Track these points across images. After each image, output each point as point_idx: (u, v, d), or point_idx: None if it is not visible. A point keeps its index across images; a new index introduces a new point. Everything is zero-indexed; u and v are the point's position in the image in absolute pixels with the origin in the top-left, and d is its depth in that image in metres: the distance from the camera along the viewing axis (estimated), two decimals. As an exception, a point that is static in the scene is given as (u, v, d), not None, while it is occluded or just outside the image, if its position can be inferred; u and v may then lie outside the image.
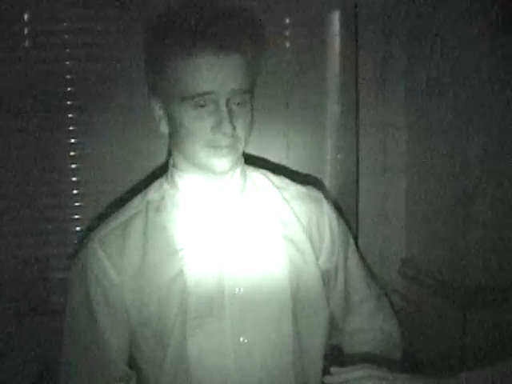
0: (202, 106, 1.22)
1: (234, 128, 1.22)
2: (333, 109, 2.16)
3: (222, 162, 1.26)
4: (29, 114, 2.04)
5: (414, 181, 2.17)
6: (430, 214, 2.08)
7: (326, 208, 1.44)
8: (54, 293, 2.12)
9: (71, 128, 2.08)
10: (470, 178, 1.86)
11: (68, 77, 2.05)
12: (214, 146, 1.24)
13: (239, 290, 1.30)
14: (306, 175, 2.13)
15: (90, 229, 2.03)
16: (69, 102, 2.06)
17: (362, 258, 1.55)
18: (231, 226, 1.33)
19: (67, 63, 2.05)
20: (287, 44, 2.14)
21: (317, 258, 1.38)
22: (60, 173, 2.11)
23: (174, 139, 1.30)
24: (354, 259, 1.49)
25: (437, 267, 2.03)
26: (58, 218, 2.12)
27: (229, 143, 1.24)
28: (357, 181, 2.18)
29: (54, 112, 2.06)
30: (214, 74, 1.20)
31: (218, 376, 1.28)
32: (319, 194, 1.47)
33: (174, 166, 1.36)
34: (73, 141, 2.08)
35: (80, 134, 2.09)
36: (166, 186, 1.37)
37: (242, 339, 1.28)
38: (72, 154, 2.09)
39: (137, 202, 1.39)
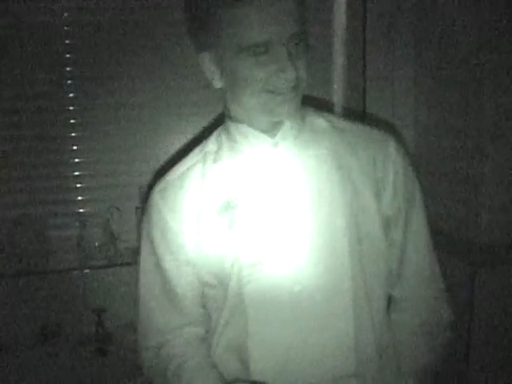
0: (262, 54, 1.18)
1: (297, 71, 1.18)
2: (339, 62, 2.10)
3: (284, 107, 1.22)
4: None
5: (423, 136, 2.13)
6: (440, 171, 2.04)
7: (393, 152, 1.33)
8: (53, 252, 2.10)
9: (69, 82, 2.06)
10: (483, 134, 1.82)
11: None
12: (276, 92, 1.20)
13: (294, 238, 1.27)
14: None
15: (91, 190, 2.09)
16: (68, 55, 2.05)
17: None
18: (285, 174, 1.30)
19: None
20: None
21: (378, 204, 1.31)
22: (58, 129, 2.08)
23: (231, 92, 1.27)
24: (417, 218, 1.38)
25: (447, 225, 2.00)
26: (56, 176, 2.08)
27: (291, 87, 1.20)
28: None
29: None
30: (270, 20, 1.16)
31: (272, 321, 1.27)
32: (388, 137, 1.36)
33: (229, 117, 1.34)
34: (71, 95, 2.04)
35: (78, 87, 2.07)
36: (222, 136, 1.36)
37: (295, 288, 1.26)
38: (71, 108, 2.05)
39: (195, 153, 1.39)
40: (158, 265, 1.35)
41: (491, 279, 1.85)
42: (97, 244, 2.08)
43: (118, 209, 2.10)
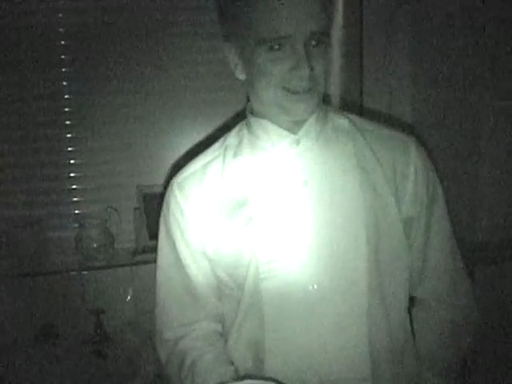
0: (278, 49, 1.18)
1: (312, 69, 1.18)
2: (337, 60, 2.09)
3: (299, 107, 1.22)
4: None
5: (421, 134, 2.12)
6: (437, 169, 2.03)
7: (414, 154, 1.33)
8: (51, 253, 2.10)
9: (64, 83, 2.05)
10: (480, 132, 1.82)
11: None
12: (291, 90, 1.20)
13: (311, 237, 1.27)
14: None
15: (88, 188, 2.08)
16: (64, 56, 2.04)
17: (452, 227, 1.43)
18: (306, 171, 1.29)
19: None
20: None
21: (398, 206, 1.31)
22: (54, 130, 2.08)
23: (251, 84, 1.27)
24: (438, 220, 1.38)
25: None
26: (52, 177, 2.08)
27: (306, 87, 1.20)
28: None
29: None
30: (291, 15, 1.16)
31: (288, 318, 1.27)
32: (410, 139, 1.36)
33: (251, 111, 1.34)
34: (67, 96, 2.04)
35: (74, 87, 2.06)
36: (244, 131, 1.37)
37: (311, 287, 1.26)
38: (66, 109, 2.04)
39: (217, 146, 1.40)
40: (177, 258, 1.37)
41: (489, 277, 1.85)
42: (95, 245, 2.07)
43: (115, 210, 2.09)
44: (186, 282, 1.37)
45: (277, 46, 1.17)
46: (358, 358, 1.27)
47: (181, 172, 1.39)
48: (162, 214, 1.40)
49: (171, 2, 2.05)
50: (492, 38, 1.78)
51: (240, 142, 1.36)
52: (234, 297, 1.32)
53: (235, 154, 1.35)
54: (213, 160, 1.36)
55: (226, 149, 1.37)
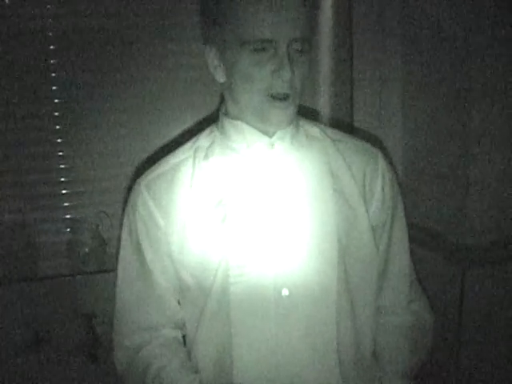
0: (261, 51, 1.19)
1: (293, 73, 1.19)
2: (327, 62, 2.09)
3: (280, 113, 1.23)
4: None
5: (411, 137, 2.13)
6: (427, 172, 2.05)
7: (382, 165, 1.38)
8: (43, 258, 2.09)
9: (54, 87, 2.04)
10: (471, 135, 1.83)
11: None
12: (272, 96, 1.20)
13: (283, 241, 1.27)
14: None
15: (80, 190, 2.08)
16: (53, 61, 2.03)
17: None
18: (279, 175, 1.30)
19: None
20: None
21: (367, 213, 1.34)
22: (44, 134, 2.06)
23: (231, 88, 1.27)
24: (399, 228, 1.42)
25: (436, 226, 2.01)
26: (43, 182, 2.07)
27: (287, 92, 1.20)
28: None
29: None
30: (276, 19, 1.17)
31: (257, 325, 1.26)
32: (377, 150, 1.41)
33: (225, 113, 1.34)
34: (56, 101, 2.03)
35: (64, 92, 2.05)
36: (216, 132, 1.36)
37: (283, 292, 1.26)
38: (56, 114, 2.04)
39: (187, 147, 1.38)
40: (140, 260, 1.34)
41: (480, 279, 1.87)
42: (87, 250, 2.07)
43: (107, 214, 2.09)
44: (148, 285, 1.35)
45: (261, 49, 1.18)
46: (327, 364, 1.28)
47: (148, 173, 1.37)
48: (126, 215, 1.37)
49: (161, 7, 2.05)
50: (483, 41, 1.79)
51: (212, 144, 1.35)
52: (199, 302, 1.30)
53: (206, 156, 1.33)
54: (182, 161, 1.35)
55: (196, 150, 1.35)
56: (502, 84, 1.82)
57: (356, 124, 2.12)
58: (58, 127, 2.05)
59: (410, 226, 2.08)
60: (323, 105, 2.04)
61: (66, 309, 2.02)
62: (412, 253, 2.05)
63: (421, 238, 2.06)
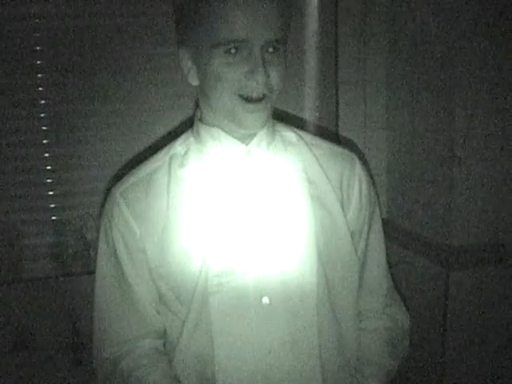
0: (235, 53, 1.17)
1: (268, 76, 1.17)
2: (312, 66, 2.10)
3: (253, 116, 1.20)
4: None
5: (396, 139, 2.13)
6: (412, 174, 2.05)
7: (358, 169, 1.37)
8: (28, 260, 2.09)
9: (40, 89, 2.04)
10: (456, 138, 1.84)
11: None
12: (246, 98, 1.19)
13: (263, 247, 1.26)
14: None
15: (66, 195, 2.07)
16: (39, 62, 2.03)
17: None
18: (256, 182, 1.29)
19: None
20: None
21: (345, 218, 1.33)
22: (30, 135, 2.06)
23: (204, 91, 1.25)
24: (376, 232, 1.42)
25: (421, 228, 2.01)
26: (28, 183, 2.06)
27: (261, 94, 1.18)
28: (337, 138, 2.13)
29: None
30: (250, 20, 1.15)
31: (238, 334, 1.25)
32: (353, 155, 1.40)
33: (200, 119, 1.32)
34: (42, 102, 2.03)
35: (50, 93, 2.04)
36: (191, 139, 1.34)
37: (264, 300, 1.24)
38: (42, 115, 2.03)
39: (161, 155, 1.35)
40: (117, 270, 1.31)
41: (465, 281, 1.87)
42: (71, 251, 2.06)
43: (91, 216, 2.08)
44: (127, 296, 1.32)
45: (233, 50, 1.16)
46: (310, 373, 1.27)
47: (123, 181, 1.34)
48: (102, 225, 1.34)
49: (148, 9, 2.04)
50: (466, 44, 1.80)
51: (187, 151, 1.32)
52: (179, 312, 1.28)
53: (182, 164, 1.31)
54: (157, 169, 1.32)
55: (171, 158, 1.33)
56: (486, 86, 1.83)
57: (341, 127, 2.13)
58: (43, 128, 2.05)
59: (394, 227, 2.12)
60: (308, 108, 2.05)
61: (50, 311, 2.02)
62: (397, 255, 2.07)
63: (405, 240, 2.07)
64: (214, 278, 1.23)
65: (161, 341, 1.36)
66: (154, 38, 2.07)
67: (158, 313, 1.34)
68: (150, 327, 1.34)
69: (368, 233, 1.40)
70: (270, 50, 1.18)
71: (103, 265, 1.34)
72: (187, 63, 1.26)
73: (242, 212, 1.27)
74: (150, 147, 2.03)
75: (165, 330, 1.35)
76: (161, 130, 2.08)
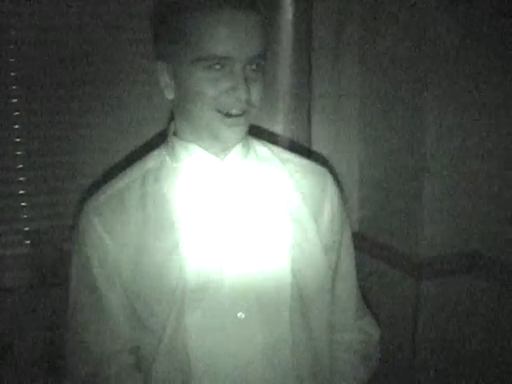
0: (217, 69, 1.16)
1: (249, 93, 1.17)
2: (285, 79, 2.12)
3: (232, 130, 1.20)
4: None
5: (368, 152, 2.16)
6: (384, 186, 2.09)
7: (330, 184, 1.39)
8: (3, 270, 2.08)
9: (14, 100, 2.02)
10: (425, 150, 1.87)
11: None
12: (226, 113, 1.19)
13: (238, 263, 1.26)
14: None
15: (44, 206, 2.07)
16: (14, 73, 2.01)
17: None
18: (232, 197, 1.29)
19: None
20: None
21: (318, 233, 1.35)
22: (3, 147, 2.04)
23: (181, 105, 1.24)
24: (347, 246, 1.44)
25: (391, 239, 2.05)
26: (3, 194, 2.06)
27: (240, 110, 1.18)
28: (309, 153, 2.16)
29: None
30: (233, 36, 1.15)
31: (215, 350, 1.26)
32: (325, 170, 1.42)
33: (174, 133, 1.31)
34: (16, 113, 2.02)
35: (24, 105, 2.04)
36: (164, 154, 1.32)
37: (239, 315, 1.25)
38: (16, 127, 2.03)
39: (135, 170, 1.33)
40: (91, 287, 1.29)
41: (435, 290, 1.92)
42: (47, 262, 2.06)
43: (67, 226, 2.08)
44: (100, 313, 1.30)
45: (217, 66, 1.16)
46: (286, 383, 1.29)
47: (95, 196, 1.31)
48: (76, 241, 1.31)
49: (124, 22, 2.05)
50: (437, 58, 1.83)
51: (161, 166, 1.31)
52: (155, 329, 1.27)
53: (156, 179, 1.30)
54: (131, 184, 1.30)
55: (145, 173, 1.31)
56: (457, 100, 1.87)
57: (314, 140, 2.15)
58: (16, 140, 2.04)
59: (366, 239, 2.15)
60: (281, 122, 2.07)
61: (26, 321, 2.01)
62: (369, 266, 2.10)
63: (376, 251, 2.10)
64: (190, 293, 1.24)
65: (135, 356, 1.35)
66: (131, 51, 2.08)
67: (133, 329, 1.32)
68: (125, 343, 1.33)
69: (339, 247, 1.41)
70: (253, 67, 1.18)
71: (76, 282, 1.33)
72: (165, 77, 1.24)
73: (217, 227, 1.28)
74: (125, 159, 2.03)
75: (139, 346, 1.35)
76: (136, 142, 2.09)
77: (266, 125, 2.09)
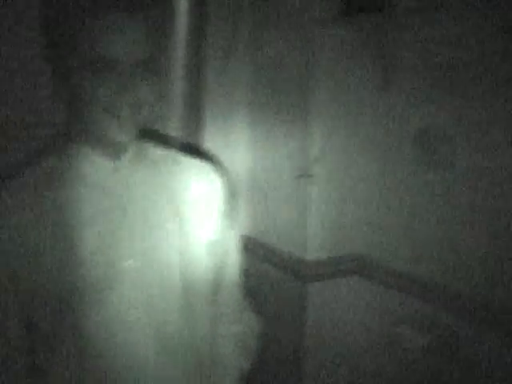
0: (105, 71, 1.15)
1: (137, 95, 1.17)
2: (177, 81, 2.13)
3: (120, 133, 1.19)
4: None
5: (256, 158, 2.19)
6: (271, 191, 2.12)
7: (218, 183, 1.40)
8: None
9: None
10: (310, 157, 1.94)
11: None
12: (116, 115, 1.17)
13: (130, 262, 1.26)
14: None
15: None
16: None
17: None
18: (124, 200, 1.29)
19: None
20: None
21: (205, 231, 1.37)
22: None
23: (72, 107, 1.22)
24: (234, 241, 1.46)
25: (279, 243, 2.10)
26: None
27: (128, 113, 1.18)
28: (199, 152, 2.14)
29: None
30: (119, 38, 1.15)
31: (114, 347, 1.25)
32: (213, 169, 1.42)
33: (68, 136, 1.28)
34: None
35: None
36: (56, 156, 1.29)
37: (133, 311, 1.25)
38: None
39: (27, 172, 1.29)
40: None
41: (320, 292, 1.97)
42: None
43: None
44: None
45: (105, 66, 1.15)
46: (165, 372, 1.30)
47: None
48: None
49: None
50: (322, 71, 1.91)
51: (53, 169, 1.29)
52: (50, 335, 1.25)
53: (48, 180, 1.28)
54: (25, 185, 1.27)
55: (39, 172, 1.29)
56: (340, 108, 1.94)
57: (206, 141, 2.17)
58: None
59: (255, 243, 2.18)
60: (172, 122, 2.07)
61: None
62: (258, 270, 2.13)
63: (263, 253, 2.14)
64: (87, 292, 1.22)
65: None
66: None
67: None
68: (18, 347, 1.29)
69: (226, 242, 1.44)
70: (142, 67, 1.18)
71: None
72: (54, 79, 1.23)
73: (108, 229, 1.27)
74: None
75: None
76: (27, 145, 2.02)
77: (157, 124, 2.08)
